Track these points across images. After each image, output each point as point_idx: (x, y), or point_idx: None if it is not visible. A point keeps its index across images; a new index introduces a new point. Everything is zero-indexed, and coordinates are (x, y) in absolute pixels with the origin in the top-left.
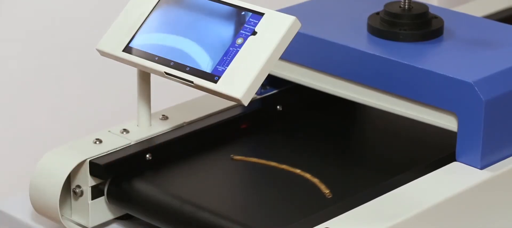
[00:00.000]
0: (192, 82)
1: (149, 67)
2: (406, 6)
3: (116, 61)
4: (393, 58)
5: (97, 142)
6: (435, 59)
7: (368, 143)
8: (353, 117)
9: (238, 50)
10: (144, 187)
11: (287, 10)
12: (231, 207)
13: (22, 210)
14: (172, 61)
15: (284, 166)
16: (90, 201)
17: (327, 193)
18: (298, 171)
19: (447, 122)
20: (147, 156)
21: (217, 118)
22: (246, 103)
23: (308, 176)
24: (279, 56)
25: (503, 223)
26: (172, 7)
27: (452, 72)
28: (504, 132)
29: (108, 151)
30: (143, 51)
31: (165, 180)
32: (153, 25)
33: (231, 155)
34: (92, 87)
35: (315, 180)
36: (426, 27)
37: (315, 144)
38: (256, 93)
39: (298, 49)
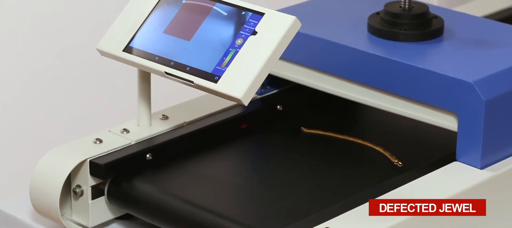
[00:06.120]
0: (192, 82)
1: (149, 67)
2: (406, 6)
3: (116, 61)
4: (393, 58)
5: (97, 142)
6: (435, 59)
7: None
8: (353, 117)
9: (238, 50)
10: (144, 187)
11: (287, 10)
12: (231, 207)
13: (22, 210)
14: (173, 61)
15: (353, 139)
16: (90, 201)
17: (397, 162)
18: (369, 144)
19: (448, 121)
20: (147, 155)
21: (217, 118)
22: (246, 103)
23: (379, 149)
24: (279, 56)
25: (503, 223)
26: (172, 7)
27: (453, 72)
28: (504, 132)
29: (108, 151)
30: (143, 51)
31: (165, 180)
32: (153, 25)
33: (302, 127)
34: (92, 87)
35: (386, 153)
36: (426, 27)
37: (315, 144)
38: (256, 93)
39: (298, 49)
